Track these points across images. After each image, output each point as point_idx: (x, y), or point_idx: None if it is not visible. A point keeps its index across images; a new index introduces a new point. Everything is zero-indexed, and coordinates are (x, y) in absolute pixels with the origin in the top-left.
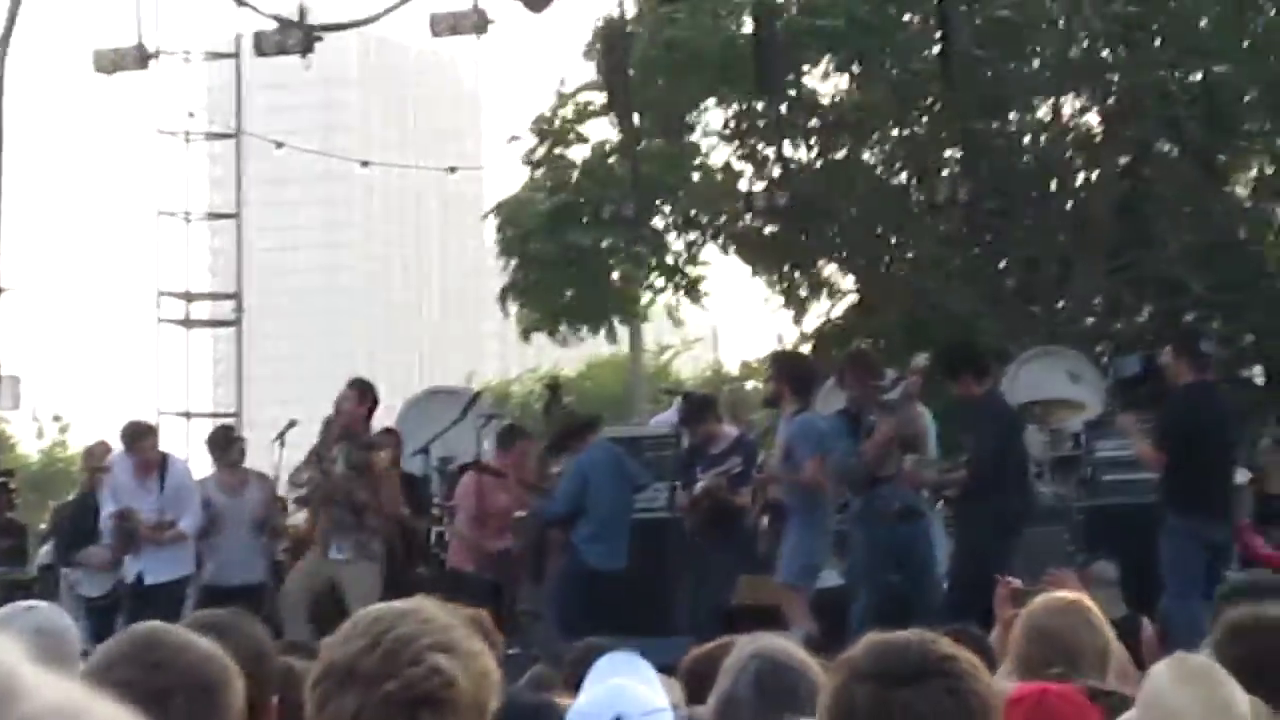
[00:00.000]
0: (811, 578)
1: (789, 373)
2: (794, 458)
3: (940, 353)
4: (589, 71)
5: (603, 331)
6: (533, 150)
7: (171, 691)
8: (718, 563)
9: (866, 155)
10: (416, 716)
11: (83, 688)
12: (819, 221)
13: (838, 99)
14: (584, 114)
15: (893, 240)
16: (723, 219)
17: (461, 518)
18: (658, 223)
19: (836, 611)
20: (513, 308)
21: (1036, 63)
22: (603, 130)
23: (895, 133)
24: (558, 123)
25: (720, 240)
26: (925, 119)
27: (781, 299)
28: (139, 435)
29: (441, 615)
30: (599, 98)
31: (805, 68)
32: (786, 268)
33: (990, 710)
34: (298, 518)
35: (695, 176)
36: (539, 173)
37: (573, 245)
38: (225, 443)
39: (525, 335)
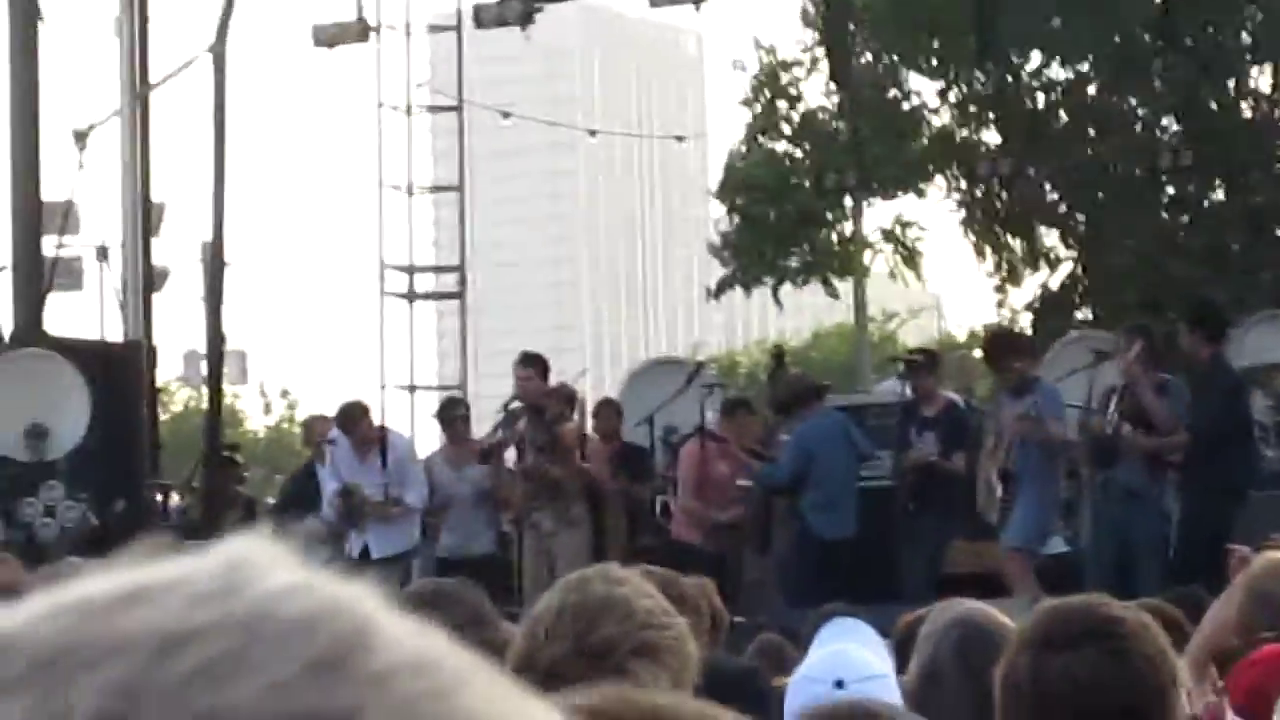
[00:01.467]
0: (1040, 543)
1: (1018, 348)
2: (1037, 418)
3: (1191, 303)
4: (807, 36)
5: (824, 295)
6: (753, 101)
7: None
8: (930, 529)
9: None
10: None
11: (444, 639)
12: (1040, 188)
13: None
14: (797, 78)
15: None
16: (943, 186)
17: (683, 489)
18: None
19: (1062, 578)
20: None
21: (1245, 36)
22: (816, 90)
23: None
24: (777, 82)
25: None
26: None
27: (997, 270)
28: (352, 419)
29: (644, 603)
30: (809, 60)
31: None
32: (1006, 236)
33: (1159, 671)
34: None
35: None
36: (760, 136)
37: (795, 209)
38: (451, 415)
39: (717, 294)
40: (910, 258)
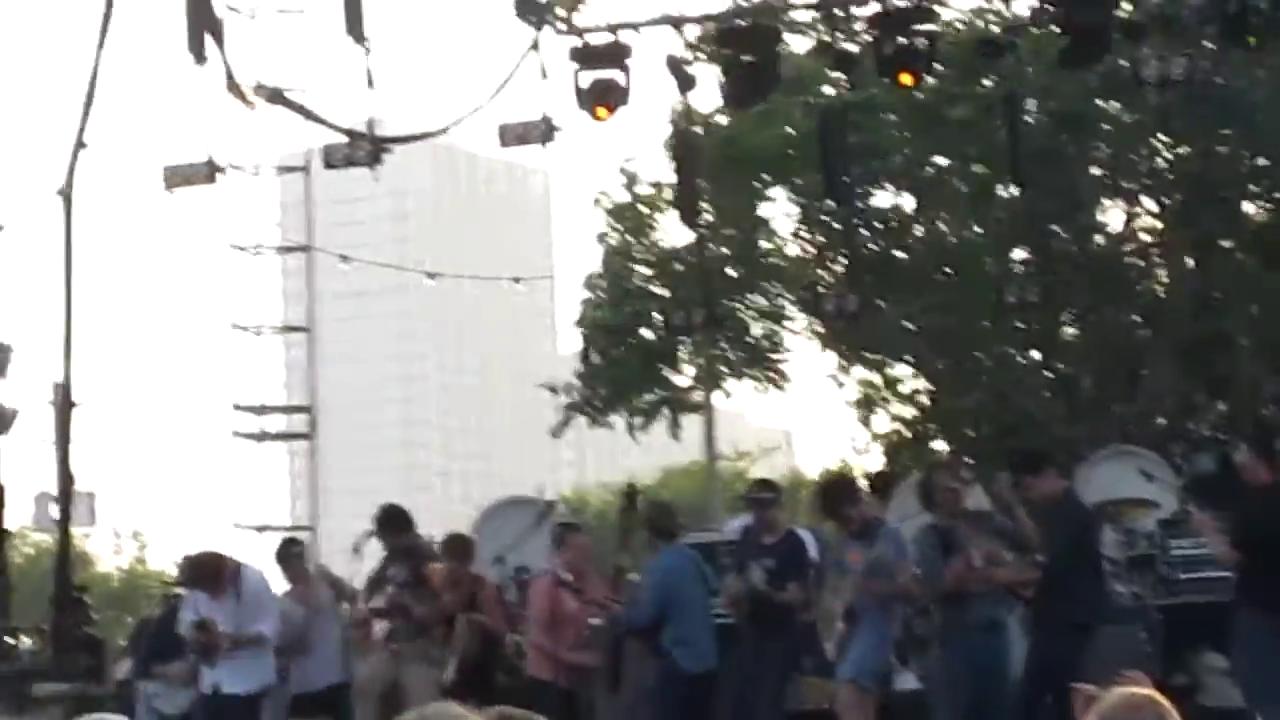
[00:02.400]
0: (873, 679)
1: (850, 495)
2: (885, 567)
3: (1020, 455)
4: (657, 169)
5: (671, 432)
6: (606, 236)
7: None
8: (767, 661)
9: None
10: None
11: None
12: (891, 320)
13: (900, 208)
14: (654, 206)
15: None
16: (796, 309)
17: (535, 626)
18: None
19: (912, 713)
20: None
21: (1096, 170)
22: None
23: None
24: (628, 214)
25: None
26: (990, 221)
27: (855, 394)
28: (205, 576)
29: None
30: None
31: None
32: (859, 366)
33: None
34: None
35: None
36: (611, 276)
37: (643, 348)
38: (288, 554)
39: (559, 430)
40: (774, 374)
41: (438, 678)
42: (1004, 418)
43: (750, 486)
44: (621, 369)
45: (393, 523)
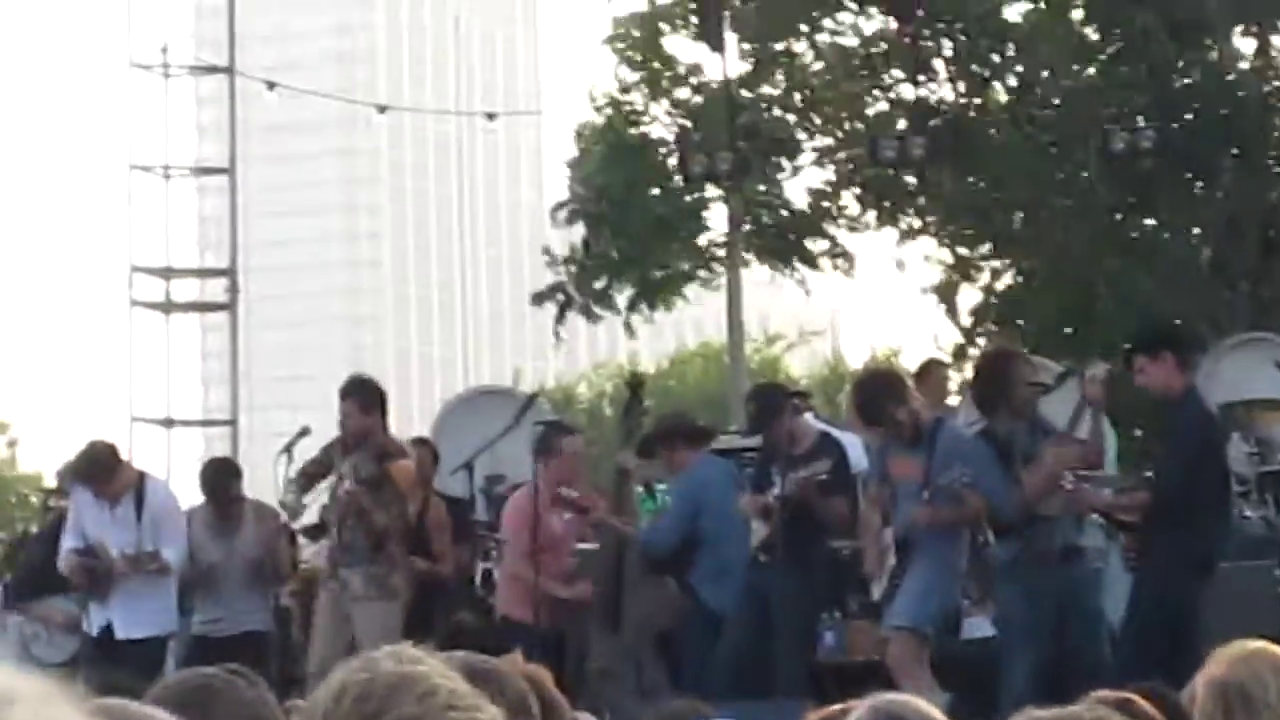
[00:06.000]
0: (930, 623)
1: (893, 392)
2: (951, 490)
3: (1142, 329)
4: None
5: (686, 310)
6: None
7: None
8: (790, 595)
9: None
10: None
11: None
12: (964, 174)
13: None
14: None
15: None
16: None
17: (512, 552)
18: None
19: (987, 669)
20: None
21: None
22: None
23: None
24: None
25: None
26: (1104, 55)
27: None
28: (100, 470)
29: (446, 684)
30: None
31: None
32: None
33: None
34: (309, 552)
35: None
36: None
37: (653, 215)
38: (224, 486)
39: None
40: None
41: (397, 617)
42: (1099, 302)
43: (749, 400)
44: (622, 242)
45: (365, 394)
